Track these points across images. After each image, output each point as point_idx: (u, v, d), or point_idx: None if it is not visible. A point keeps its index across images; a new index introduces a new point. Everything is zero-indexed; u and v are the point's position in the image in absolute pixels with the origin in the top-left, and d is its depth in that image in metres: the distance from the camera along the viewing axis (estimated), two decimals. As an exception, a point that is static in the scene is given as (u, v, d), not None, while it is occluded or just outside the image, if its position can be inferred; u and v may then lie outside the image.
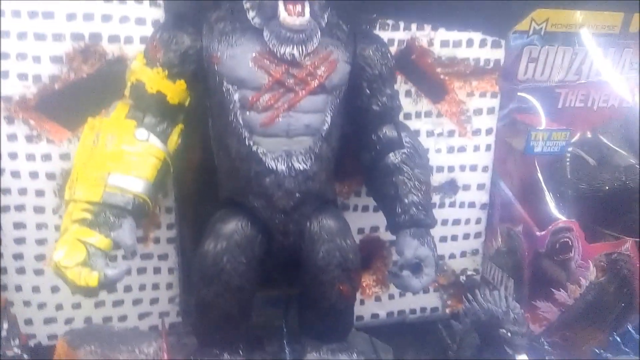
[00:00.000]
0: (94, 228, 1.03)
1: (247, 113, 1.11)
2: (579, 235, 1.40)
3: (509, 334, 0.99)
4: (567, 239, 1.39)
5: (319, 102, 1.13)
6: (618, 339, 1.12)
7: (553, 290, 1.44)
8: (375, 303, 1.61)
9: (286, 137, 1.12)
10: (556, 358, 1.33)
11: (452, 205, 1.56)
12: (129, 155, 1.10)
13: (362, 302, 1.59)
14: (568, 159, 1.53)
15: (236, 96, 1.11)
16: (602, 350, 1.12)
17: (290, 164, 1.12)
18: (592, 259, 1.41)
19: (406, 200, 1.23)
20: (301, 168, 1.13)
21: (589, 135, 1.57)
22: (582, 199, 1.46)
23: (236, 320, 1.25)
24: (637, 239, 1.44)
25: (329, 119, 1.15)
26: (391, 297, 1.61)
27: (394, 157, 1.26)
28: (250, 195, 1.16)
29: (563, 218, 1.41)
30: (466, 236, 1.60)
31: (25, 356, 1.02)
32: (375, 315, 1.62)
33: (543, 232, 1.39)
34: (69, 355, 0.92)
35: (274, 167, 1.12)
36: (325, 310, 1.26)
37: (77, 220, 1.03)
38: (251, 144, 1.12)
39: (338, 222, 1.24)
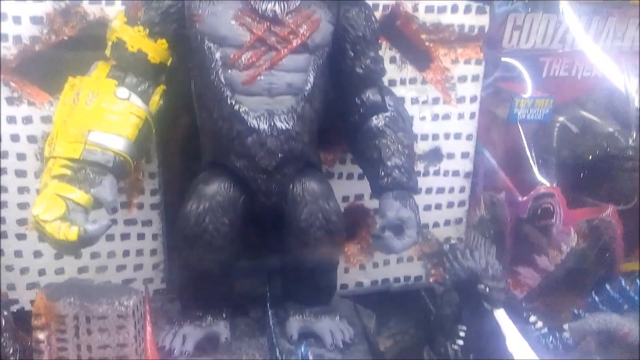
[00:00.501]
0: (73, 184, 1.02)
1: (229, 71, 1.10)
2: (561, 201, 1.42)
3: (487, 289, 1.01)
4: (549, 205, 1.40)
5: (301, 61, 1.13)
6: (596, 299, 1.14)
7: (534, 256, 1.45)
8: (359, 271, 1.61)
9: (268, 96, 1.12)
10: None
11: (436, 173, 1.57)
12: (110, 114, 1.09)
13: (346, 270, 1.60)
14: (557, 128, 1.53)
15: (217, 54, 1.10)
16: (580, 311, 1.14)
17: (272, 123, 1.12)
18: (574, 225, 1.43)
19: (389, 163, 1.23)
20: (283, 127, 1.13)
21: (572, 104, 1.58)
22: (565, 166, 1.47)
23: (219, 282, 1.26)
24: (618, 207, 1.45)
25: (311, 79, 1.15)
26: (375, 265, 1.62)
27: (377, 121, 1.26)
28: (233, 155, 1.16)
29: (546, 184, 1.42)
30: (450, 205, 1.60)
31: (5, 312, 1.01)
32: (359, 284, 1.62)
33: (525, 198, 1.40)
34: (48, 308, 0.92)
35: (256, 126, 1.12)
36: (308, 273, 1.27)
37: (56, 176, 1.02)
38: (233, 103, 1.11)
39: (321, 185, 1.24)
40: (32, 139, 1.30)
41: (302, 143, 1.18)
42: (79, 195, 1.02)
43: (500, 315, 0.99)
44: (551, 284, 1.46)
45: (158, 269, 1.48)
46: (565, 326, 1.11)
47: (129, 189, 1.39)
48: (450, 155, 1.56)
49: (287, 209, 1.21)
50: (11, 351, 0.96)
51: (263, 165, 1.15)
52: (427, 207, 1.59)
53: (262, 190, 1.18)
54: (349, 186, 1.53)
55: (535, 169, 1.42)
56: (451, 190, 1.59)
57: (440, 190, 1.59)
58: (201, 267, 1.20)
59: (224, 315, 1.30)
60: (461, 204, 1.61)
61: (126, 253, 1.44)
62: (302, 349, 0.92)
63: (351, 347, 1.30)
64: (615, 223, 1.44)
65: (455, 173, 1.58)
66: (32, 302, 1.37)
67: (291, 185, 1.21)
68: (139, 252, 1.45)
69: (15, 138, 1.29)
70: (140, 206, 1.42)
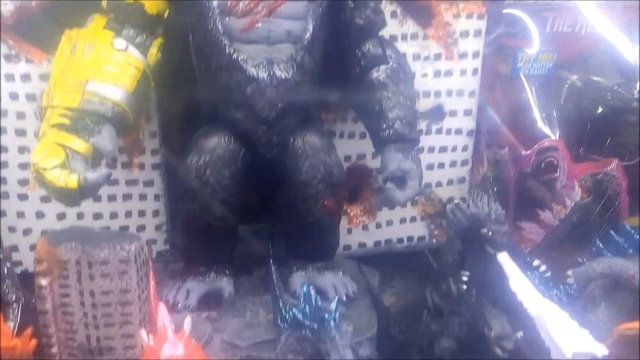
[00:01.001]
0: (72, 133, 1.02)
1: (227, 19, 1.09)
2: (565, 155, 1.40)
3: (490, 233, 1.00)
4: (553, 159, 1.39)
5: (300, 9, 1.11)
6: (600, 245, 1.13)
7: (538, 211, 1.44)
8: (362, 232, 1.61)
9: (267, 44, 1.10)
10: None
11: (438, 132, 1.55)
12: (107, 64, 1.08)
13: (349, 231, 1.59)
14: (565, 85, 1.51)
15: (215, 2, 1.09)
16: (584, 259, 1.13)
17: (271, 72, 1.11)
18: (578, 179, 1.42)
19: (390, 115, 1.22)
20: (283, 76, 1.12)
21: (576, 59, 1.55)
22: (569, 121, 1.46)
23: (222, 237, 1.26)
24: (622, 162, 1.44)
25: (310, 28, 1.13)
26: (378, 226, 1.61)
27: (377, 73, 1.24)
28: (232, 106, 1.15)
29: (550, 137, 1.40)
30: (453, 164, 1.59)
31: (8, 264, 1.01)
32: (362, 245, 1.62)
33: (528, 152, 1.39)
34: (50, 253, 0.92)
35: (255, 75, 1.11)
36: (311, 227, 1.26)
37: (55, 125, 1.02)
38: (231, 51, 1.10)
39: (322, 138, 1.23)
40: (31, 97, 1.29)
41: (302, 94, 1.16)
42: (78, 144, 1.01)
43: (503, 259, 0.98)
44: (555, 239, 1.45)
45: (161, 230, 1.48)
46: (569, 272, 1.10)
47: (129, 148, 1.39)
48: (453, 113, 1.54)
49: (288, 162, 1.20)
50: (14, 298, 0.96)
51: (263, 115, 1.14)
52: (430, 167, 1.58)
53: (262, 142, 1.18)
54: (351, 145, 1.52)
55: (539, 123, 1.40)
56: (454, 149, 1.58)
57: (443, 149, 1.58)
58: (203, 220, 1.19)
59: (227, 272, 1.30)
60: (464, 162, 1.60)
61: (128, 214, 1.44)
62: (304, 289, 0.91)
63: (354, 301, 1.29)
64: (620, 177, 1.43)
65: (458, 131, 1.56)
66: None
67: (292, 139, 1.20)
68: (142, 213, 1.45)
69: (14, 96, 1.29)
70: (142, 166, 1.41)
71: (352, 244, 1.61)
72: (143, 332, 0.84)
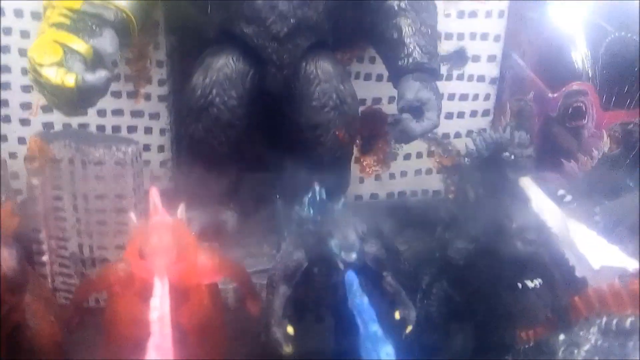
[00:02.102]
0: (72, 32, 0.96)
1: None
2: (594, 101, 1.31)
3: (512, 157, 0.92)
4: (581, 104, 1.30)
5: None
6: (631, 184, 1.04)
7: (563, 161, 1.36)
8: (375, 183, 1.54)
9: (281, -46, 1.04)
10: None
11: (459, 78, 1.48)
12: (113, -31, 1.03)
13: (361, 180, 1.53)
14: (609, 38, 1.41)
15: None
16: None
17: (284, -17, 1.05)
18: (607, 129, 1.33)
19: (409, 43, 1.15)
20: (296, -11, 1.06)
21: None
22: (604, 70, 1.36)
23: (227, 165, 1.20)
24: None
25: (328, -60, 1.07)
26: (392, 177, 1.54)
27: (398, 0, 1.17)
28: (242, 21, 1.09)
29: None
30: (473, 113, 1.52)
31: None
32: (374, 195, 1.55)
33: (555, 95, 1.31)
34: (42, 149, 0.87)
35: (267, -14, 1.05)
36: (320, 159, 1.20)
37: (55, 24, 0.97)
38: (243, -39, 1.04)
39: (335, 65, 1.17)
40: (35, 16, 1.24)
41: (316, 11, 1.10)
42: (78, 44, 0.96)
43: (526, 183, 0.90)
44: (579, 192, 1.36)
45: (166, 166, 1.43)
46: (596, 209, 1.02)
47: (135, 77, 1.33)
48: (476, 58, 1.46)
49: (299, 86, 1.14)
50: (3, 199, 0.91)
51: (274, 31, 1.08)
52: (449, 115, 1.50)
53: (272, 61, 1.11)
54: (366, 88, 1.45)
55: (574, 62, 1.31)
56: (475, 97, 1.50)
57: (464, 97, 1.50)
58: (208, 142, 1.14)
59: (231, 206, 1.24)
60: (485, 113, 1.52)
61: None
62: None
63: (364, 241, 1.23)
64: (653, 128, 1.34)
65: (481, 78, 1.49)
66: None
67: (304, 62, 1.14)
68: (146, 148, 1.39)
69: (18, 14, 1.24)
70: (148, 97, 1.36)
71: (363, 194, 1.54)
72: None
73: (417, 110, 1.13)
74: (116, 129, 1.35)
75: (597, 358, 0.59)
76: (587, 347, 0.62)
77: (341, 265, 0.66)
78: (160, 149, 1.41)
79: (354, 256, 0.66)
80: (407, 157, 1.54)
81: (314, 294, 0.65)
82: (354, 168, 1.53)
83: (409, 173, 1.54)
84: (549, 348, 0.69)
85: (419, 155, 1.54)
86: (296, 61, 1.12)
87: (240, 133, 1.14)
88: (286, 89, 1.15)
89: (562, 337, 0.66)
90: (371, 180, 1.54)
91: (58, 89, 0.92)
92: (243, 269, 0.87)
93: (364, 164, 1.53)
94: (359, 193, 1.54)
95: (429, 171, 1.55)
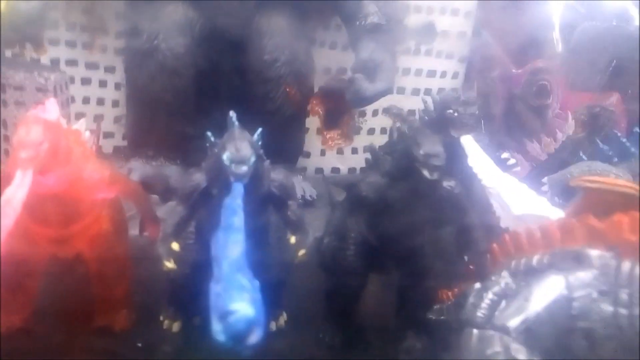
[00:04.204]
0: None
1: None
2: (560, 81, 1.28)
3: (456, 114, 0.88)
4: (546, 82, 1.27)
5: None
6: (584, 157, 1.00)
7: (526, 141, 1.32)
8: (337, 156, 1.50)
9: None
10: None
11: (427, 53, 1.44)
12: None
13: (322, 153, 1.49)
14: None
15: None
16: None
17: None
18: (572, 110, 1.29)
19: (369, 4, 1.12)
20: None
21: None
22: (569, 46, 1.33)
23: (172, 117, 1.16)
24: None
25: None
26: (354, 151, 1.50)
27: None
28: (194, -35, 1.05)
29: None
30: (441, 91, 1.47)
31: None
32: (335, 170, 1.51)
33: (520, 70, 1.27)
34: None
35: None
36: (270, 117, 1.16)
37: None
38: None
39: (290, 20, 1.14)
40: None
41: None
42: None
43: (467, 141, 0.86)
44: (541, 175, 1.32)
45: (119, 123, 1.38)
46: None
47: (91, 27, 1.29)
48: (445, 34, 1.43)
49: (250, 40, 1.11)
50: None
51: (226, -24, 1.04)
52: (416, 92, 1.47)
53: (224, 12, 1.08)
54: (331, 57, 1.41)
55: (543, 43, 1.27)
56: (443, 74, 1.47)
57: (431, 74, 1.46)
58: (152, 91, 1.10)
59: (177, 162, 1.20)
60: (453, 91, 1.48)
61: (86, 100, 1.35)
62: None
63: (312, 205, 1.19)
64: (619, 114, 1.30)
65: (450, 55, 1.45)
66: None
67: (257, 15, 1.10)
68: (100, 101, 1.36)
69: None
70: (104, 49, 1.32)
71: (324, 168, 1.50)
72: None
73: (371, 71, 1.10)
74: (70, 79, 1.31)
75: (502, 300, 0.56)
76: (495, 289, 0.58)
77: (231, 178, 0.63)
78: (115, 103, 1.37)
79: (244, 169, 0.63)
80: (371, 132, 1.50)
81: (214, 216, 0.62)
82: (316, 140, 1.49)
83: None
84: (466, 300, 0.65)
85: (384, 130, 1.50)
86: (249, 13, 1.09)
87: (185, 83, 1.10)
88: (237, 42, 1.11)
89: (477, 285, 0.62)
90: (333, 154, 1.50)
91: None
92: (140, 189, 0.82)
93: (327, 136, 1.49)
94: (320, 166, 1.50)
95: (393, 147, 1.51)
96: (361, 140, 1.49)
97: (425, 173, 0.67)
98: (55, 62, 1.28)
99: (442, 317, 0.74)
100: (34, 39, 1.05)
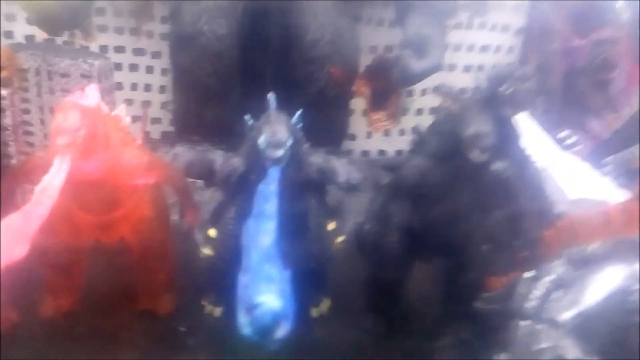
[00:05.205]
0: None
1: None
2: (627, 52, 1.18)
3: (510, 90, 0.82)
4: (611, 54, 1.17)
5: None
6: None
7: (588, 118, 1.23)
8: (383, 138, 1.46)
9: None
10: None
11: (481, 27, 1.36)
12: None
13: (369, 135, 1.45)
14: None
15: None
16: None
17: None
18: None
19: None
20: None
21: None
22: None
23: (216, 97, 1.15)
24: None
25: None
26: (402, 133, 1.45)
27: None
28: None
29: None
30: (495, 68, 1.40)
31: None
32: (382, 152, 1.47)
33: (583, 42, 1.18)
34: (11, 59, 0.85)
35: None
36: (314, 98, 1.13)
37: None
38: None
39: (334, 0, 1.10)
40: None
41: None
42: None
43: (522, 120, 0.80)
44: (604, 155, 1.23)
45: (167, 108, 1.39)
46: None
47: (138, 12, 1.30)
48: (501, 5, 1.34)
49: (294, 20, 1.08)
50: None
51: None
52: (467, 69, 1.40)
53: (267, -9, 1.06)
54: (378, 34, 1.36)
55: (608, 10, 1.17)
56: (497, 49, 1.39)
57: (485, 49, 1.39)
58: (196, 74, 1.09)
59: (223, 146, 1.20)
60: (508, 66, 1.40)
61: (134, 86, 1.37)
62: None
63: (356, 189, 1.15)
64: (696, 88, 1.19)
65: (505, 28, 1.37)
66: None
67: (300, -5, 1.07)
68: (147, 87, 1.37)
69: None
70: (150, 35, 1.33)
71: (370, 150, 1.47)
72: None
73: (419, 47, 1.05)
74: (117, 66, 1.33)
75: (554, 291, 0.51)
76: (547, 279, 0.53)
77: (267, 163, 0.61)
78: (162, 89, 1.38)
79: (280, 153, 0.61)
80: (420, 112, 1.45)
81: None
82: (362, 122, 1.45)
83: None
84: (515, 289, 0.61)
85: (433, 111, 1.44)
86: (291, -8, 1.06)
87: (229, 65, 1.09)
88: (280, 22, 1.09)
89: (527, 274, 0.58)
90: (379, 136, 1.46)
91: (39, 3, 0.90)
92: (180, 175, 0.82)
93: (373, 118, 1.45)
94: (366, 149, 1.46)
95: (444, 129, 1.45)
96: (409, 121, 1.43)
97: (473, 155, 0.62)
98: (103, 49, 1.31)
99: (490, 307, 0.70)
100: (83, 27, 1.07)
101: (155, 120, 1.40)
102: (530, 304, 0.54)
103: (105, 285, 0.82)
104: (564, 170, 0.68)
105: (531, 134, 0.78)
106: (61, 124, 0.60)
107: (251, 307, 0.50)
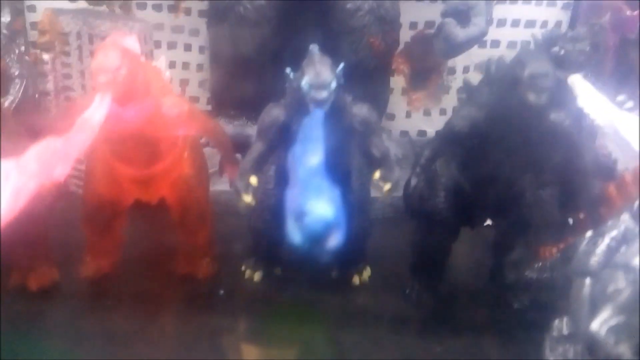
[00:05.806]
0: None
1: None
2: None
3: (562, 52, 0.78)
4: (668, 24, 1.11)
5: None
6: None
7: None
8: (423, 118, 1.42)
9: None
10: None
11: (527, 1, 1.31)
12: None
13: (408, 114, 1.41)
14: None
15: None
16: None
17: None
18: (700, 56, 1.12)
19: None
20: None
21: None
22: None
23: (252, 75, 1.13)
24: None
25: None
26: (443, 112, 1.41)
27: None
28: None
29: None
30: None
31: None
32: (422, 133, 1.43)
33: (635, 12, 1.12)
34: (52, 23, 0.85)
35: None
36: (353, 70, 1.10)
37: None
38: None
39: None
40: None
41: None
42: None
43: (577, 82, 0.76)
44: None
45: (204, 87, 1.39)
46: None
47: (175, -11, 1.30)
48: (547, -23, 1.29)
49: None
50: (17, 73, 0.90)
51: None
52: (512, 45, 1.35)
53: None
54: (418, 9, 1.32)
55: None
56: (544, 24, 1.33)
57: (530, 24, 1.33)
58: (234, 51, 1.08)
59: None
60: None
61: (172, 64, 1.36)
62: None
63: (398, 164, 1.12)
64: None
65: (552, 2, 1.31)
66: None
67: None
68: (185, 65, 1.37)
69: None
70: (188, 12, 1.33)
71: (410, 130, 1.43)
72: None
73: (462, 15, 1.01)
74: (157, 44, 1.34)
75: (621, 245, 0.48)
76: (613, 233, 0.49)
77: (311, 105, 0.58)
78: (199, 67, 1.37)
79: (324, 94, 0.58)
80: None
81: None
82: (402, 101, 1.42)
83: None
84: (574, 252, 0.57)
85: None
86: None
87: (267, 35, 1.07)
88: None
89: (589, 234, 0.54)
90: (419, 116, 1.42)
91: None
92: (220, 128, 0.81)
93: (413, 97, 1.42)
94: (405, 129, 1.43)
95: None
96: (450, 101, 1.39)
97: (531, 97, 0.58)
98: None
99: (544, 276, 0.66)
100: (121, 3, 1.06)
101: (193, 99, 1.39)
102: (594, 259, 0.50)
103: (145, 247, 0.81)
104: (626, 126, 0.64)
105: (588, 94, 0.73)
106: (102, 62, 0.59)
107: (301, 215, 0.47)
